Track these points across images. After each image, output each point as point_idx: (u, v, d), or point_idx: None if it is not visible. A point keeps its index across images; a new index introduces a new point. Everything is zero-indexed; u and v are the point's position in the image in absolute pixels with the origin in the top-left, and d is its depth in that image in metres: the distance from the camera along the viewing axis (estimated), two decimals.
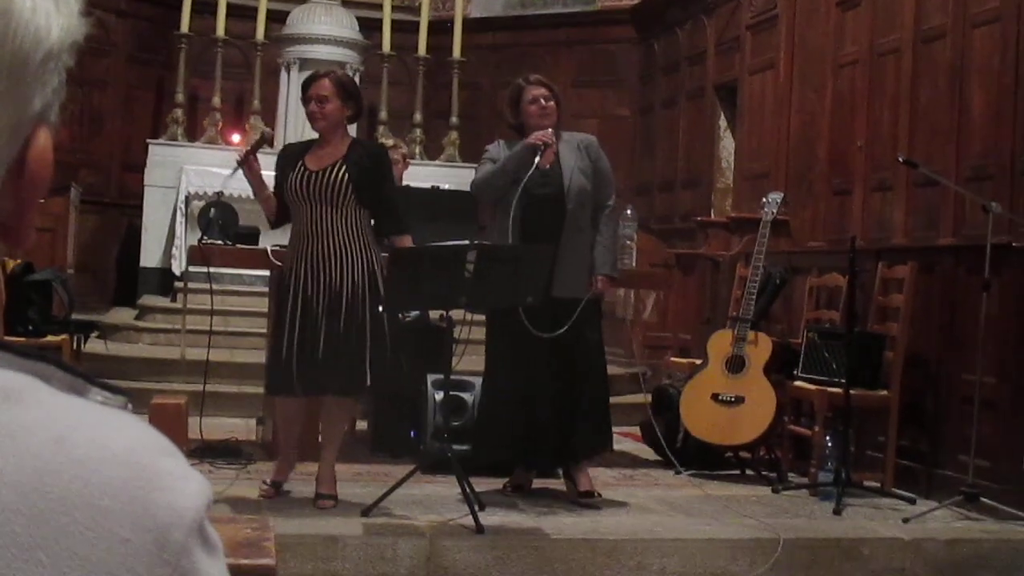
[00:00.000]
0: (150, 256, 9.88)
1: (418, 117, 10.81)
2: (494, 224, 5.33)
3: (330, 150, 4.94)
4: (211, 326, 5.80)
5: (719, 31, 9.62)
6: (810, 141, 7.92)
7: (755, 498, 5.49)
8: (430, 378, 5.80)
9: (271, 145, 5.62)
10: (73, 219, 8.53)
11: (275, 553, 2.79)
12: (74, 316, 6.59)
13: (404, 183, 6.93)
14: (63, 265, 7.76)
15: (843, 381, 5.54)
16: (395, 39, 10.70)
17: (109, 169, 10.89)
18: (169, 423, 5.22)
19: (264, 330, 6.37)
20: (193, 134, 10.51)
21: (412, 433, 5.99)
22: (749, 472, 6.02)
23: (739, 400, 5.91)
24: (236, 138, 10.20)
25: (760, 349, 5.97)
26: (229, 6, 10.30)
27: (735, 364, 5.97)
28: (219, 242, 5.98)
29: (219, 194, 7.20)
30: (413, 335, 5.64)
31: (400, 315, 5.20)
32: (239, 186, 6.28)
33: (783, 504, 5.42)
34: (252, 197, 5.28)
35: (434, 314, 5.85)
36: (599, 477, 5.52)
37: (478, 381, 5.60)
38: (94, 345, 7.58)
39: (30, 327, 6.08)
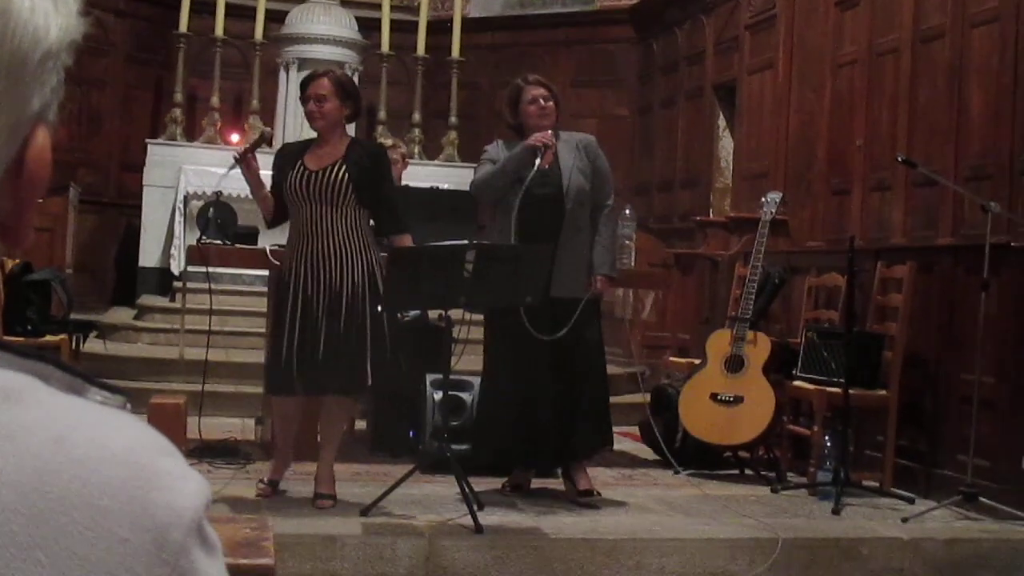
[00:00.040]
0: (149, 256, 9.88)
1: (417, 117, 10.81)
2: (494, 224, 5.33)
3: (329, 150, 4.94)
4: (210, 326, 5.80)
5: (718, 31, 9.62)
6: (809, 141, 7.92)
7: (754, 498, 5.49)
8: (429, 378, 5.81)
9: (270, 145, 5.62)
10: (72, 219, 8.52)
11: (274, 553, 2.79)
12: (73, 316, 6.59)
13: (403, 183, 6.93)
14: (62, 265, 7.75)
15: (842, 381, 5.54)
16: (394, 39, 10.70)
17: (108, 169, 10.89)
18: (168, 423, 5.22)
19: (263, 330, 6.37)
20: (192, 134, 10.51)
21: (411, 433, 6.00)
22: (748, 472, 6.02)
23: (738, 400, 5.91)
24: (235, 138, 10.21)
25: (759, 349, 5.97)
26: (228, 6, 10.30)
27: (734, 364, 5.97)
28: (218, 242, 5.98)
29: (218, 194, 7.19)
30: (412, 335, 5.64)
31: (399, 315, 5.20)
32: (238, 186, 6.28)
33: (782, 504, 5.42)
34: (250, 197, 5.28)
35: (433, 314, 5.85)
36: (598, 477, 5.51)
37: (477, 381, 5.60)
38: (93, 345, 7.57)
39: (29, 327, 6.07)
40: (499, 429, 5.27)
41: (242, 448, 5.87)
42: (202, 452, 5.61)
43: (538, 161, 5.04)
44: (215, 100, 10.44)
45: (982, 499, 5.13)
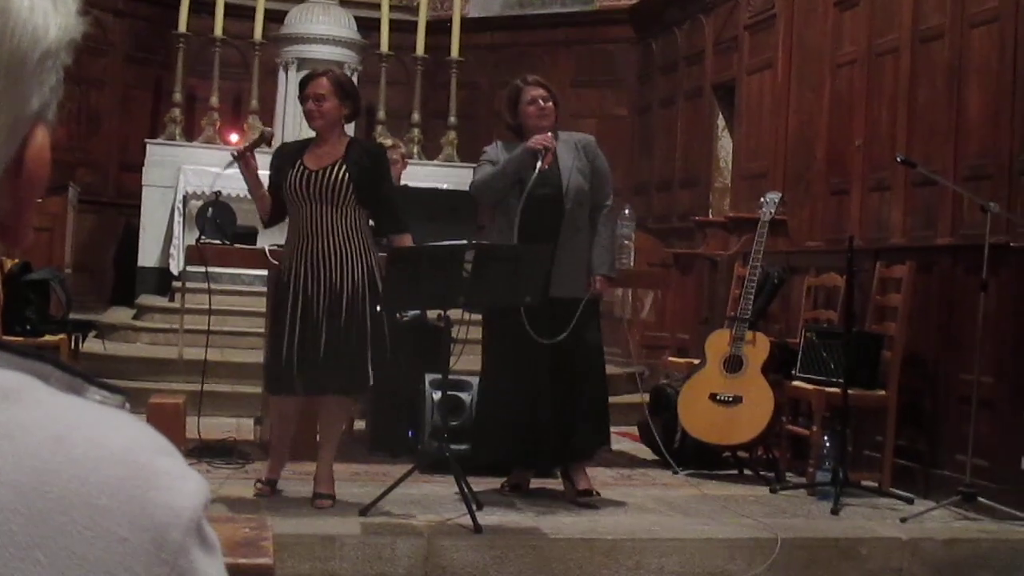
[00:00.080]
0: (148, 256, 9.88)
1: (416, 117, 10.81)
2: (493, 225, 5.33)
3: (328, 149, 4.93)
4: (209, 325, 5.80)
5: (717, 31, 9.62)
6: (808, 141, 7.92)
7: (753, 498, 5.49)
8: (428, 378, 5.81)
9: (270, 145, 5.61)
10: (71, 218, 8.52)
11: (273, 552, 2.79)
12: (72, 316, 6.58)
13: (402, 183, 6.93)
14: (61, 264, 7.75)
15: (841, 381, 5.54)
16: (393, 39, 10.70)
17: (107, 168, 10.89)
18: (167, 422, 5.22)
19: (262, 330, 6.36)
20: (191, 134, 10.51)
21: (410, 433, 5.99)
22: (747, 472, 6.02)
23: (737, 400, 5.91)
24: (234, 138, 10.20)
25: (758, 349, 5.97)
26: (227, 6, 10.29)
27: (733, 364, 5.97)
28: (217, 242, 5.98)
29: (217, 194, 7.18)
30: (411, 335, 5.64)
31: (398, 315, 5.20)
32: (236, 185, 6.27)
33: (781, 504, 5.42)
34: (249, 196, 5.28)
35: (432, 314, 5.84)
36: (597, 477, 5.51)
37: (476, 381, 5.60)
38: (92, 345, 7.57)
39: (28, 327, 6.07)
40: (498, 429, 5.27)
41: (241, 448, 5.87)
42: (201, 452, 5.61)
43: (539, 164, 5.03)
44: (214, 100, 10.44)
45: (981, 499, 5.13)
